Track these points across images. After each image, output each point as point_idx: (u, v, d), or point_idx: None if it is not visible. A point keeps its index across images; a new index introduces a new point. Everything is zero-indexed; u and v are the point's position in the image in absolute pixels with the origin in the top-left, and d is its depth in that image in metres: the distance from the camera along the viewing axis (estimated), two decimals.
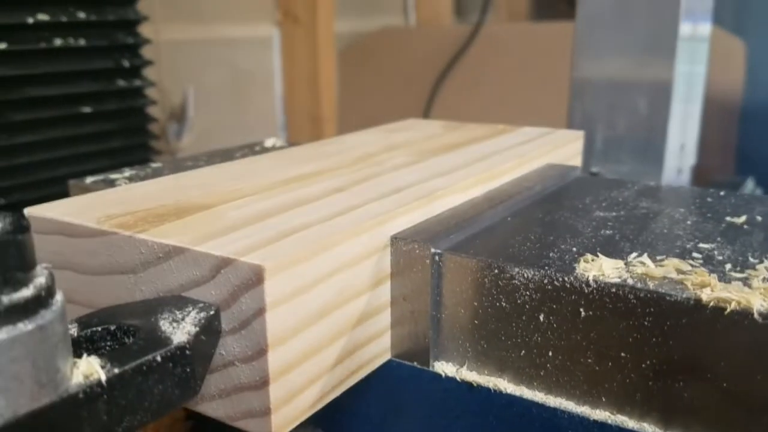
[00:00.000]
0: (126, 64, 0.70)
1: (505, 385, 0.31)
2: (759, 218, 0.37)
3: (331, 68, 1.21)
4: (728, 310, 0.26)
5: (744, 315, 0.25)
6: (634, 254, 0.31)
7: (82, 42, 0.66)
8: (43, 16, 0.63)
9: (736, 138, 1.18)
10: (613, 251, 0.32)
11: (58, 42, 0.64)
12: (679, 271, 0.29)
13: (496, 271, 0.30)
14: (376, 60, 1.38)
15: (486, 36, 1.27)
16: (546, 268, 0.30)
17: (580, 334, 0.29)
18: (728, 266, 0.30)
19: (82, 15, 0.66)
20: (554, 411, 0.30)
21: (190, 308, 0.26)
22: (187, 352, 0.24)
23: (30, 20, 0.62)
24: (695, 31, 0.71)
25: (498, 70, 1.24)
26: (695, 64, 0.72)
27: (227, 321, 0.26)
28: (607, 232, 0.35)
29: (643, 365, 0.28)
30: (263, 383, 0.26)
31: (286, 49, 1.19)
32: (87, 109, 0.68)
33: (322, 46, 1.17)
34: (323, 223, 0.30)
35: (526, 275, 0.30)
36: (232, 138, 0.60)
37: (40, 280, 0.20)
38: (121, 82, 0.71)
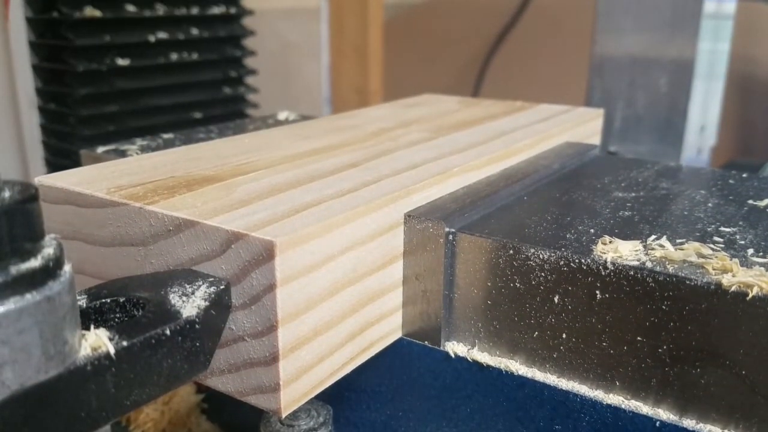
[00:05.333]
0: (233, 74, 0.77)
1: (516, 366, 0.31)
2: None
3: (380, 39, 1.19)
4: (750, 295, 0.25)
5: (766, 301, 0.25)
6: (654, 237, 0.30)
7: (195, 56, 0.72)
8: (162, 35, 0.69)
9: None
10: (632, 233, 0.31)
11: (174, 57, 0.70)
12: (700, 255, 0.28)
13: (511, 251, 0.30)
14: (423, 32, 1.33)
15: (540, 5, 1.21)
16: (562, 249, 0.29)
17: (596, 316, 0.28)
18: (750, 251, 0.29)
19: (195, 32, 0.72)
20: (566, 394, 0.30)
21: (201, 282, 0.26)
22: (197, 326, 0.24)
23: (152, 39, 0.68)
24: (720, 7, 0.69)
25: (555, 42, 1.19)
26: (719, 41, 0.70)
27: (237, 296, 0.26)
28: (626, 213, 0.34)
29: (660, 350, 0.27)
30: (273, 359, 0.26)
31: (334, 18, 1.17)
32: (198, 115, 0.74)
33: (371, 16, 1.14)
34: (336, 199, 0.30)
35: (541, 256, 0.29)
36: (277, 111, 0.60)
37: (49, 250, 0.20)
38: (227, 90, 0.77)
